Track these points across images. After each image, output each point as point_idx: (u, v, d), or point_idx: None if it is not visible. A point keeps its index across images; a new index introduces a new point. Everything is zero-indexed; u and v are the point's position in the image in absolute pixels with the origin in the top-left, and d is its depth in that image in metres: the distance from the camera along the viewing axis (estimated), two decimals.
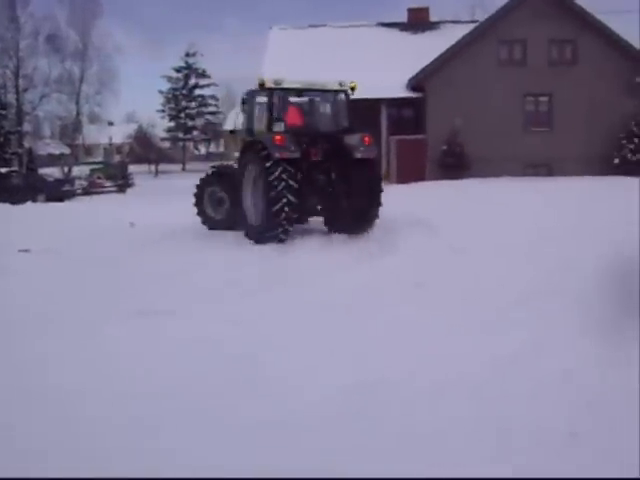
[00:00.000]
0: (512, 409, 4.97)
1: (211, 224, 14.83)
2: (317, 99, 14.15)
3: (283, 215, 12.10)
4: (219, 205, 14.78)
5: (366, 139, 13.16)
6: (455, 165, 27.42)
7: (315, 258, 10.78)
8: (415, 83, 29.45)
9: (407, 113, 31.29)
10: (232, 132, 16.37)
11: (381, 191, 13.20)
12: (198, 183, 15.23)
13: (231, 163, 15.65)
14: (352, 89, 13.73)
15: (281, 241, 12.21)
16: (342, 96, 13.88)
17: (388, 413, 4.87)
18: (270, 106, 13.00)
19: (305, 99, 14.01)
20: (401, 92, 29.81)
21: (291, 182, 12.11)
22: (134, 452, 4.35)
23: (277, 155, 12.02)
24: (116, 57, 65.35)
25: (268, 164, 12.02)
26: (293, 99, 13.78)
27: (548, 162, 27.79)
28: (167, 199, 24.89)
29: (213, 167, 15.70)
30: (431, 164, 28.05)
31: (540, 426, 4.78)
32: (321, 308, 7.64)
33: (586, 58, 28.17)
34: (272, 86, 12.89)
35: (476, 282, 8.55)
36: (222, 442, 4.51)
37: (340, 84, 13.70)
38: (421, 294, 8.18)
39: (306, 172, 12.76)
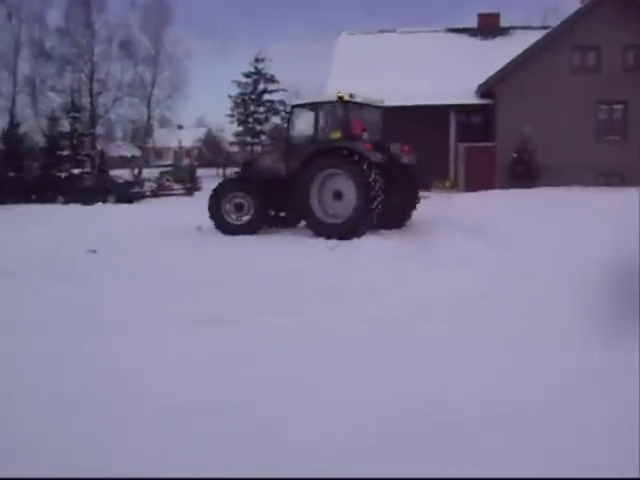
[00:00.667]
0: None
1: (229, 229, 15.59)
2: (372, 112, 16.08)
3: (376, 212, 13.97)
4: (239, 211, 15.79)
5: (405, 148, 15.47)
6: (525, 174, 26.89)
7: (384, 266, 10.63)
8: (485, 89, 29.05)
9: (476, 120, 30.88)
10: (273, 140, 17.98)
11: (418, 192, 15.79)
12: (215, 188, 16.14)
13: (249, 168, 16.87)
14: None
15: (363, 234, 13.78)
16: (381, 111, 16.39)
17: None
18: (346, 117, 14.77)
19: (365, 111, 15.82)
20: (470, 98, 29.45)
21: (381, 183, 14.04)
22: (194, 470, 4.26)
23: (372, 159, 14.05)
24: (186, 62, 66.14)
25: (364, 167, 13.84)
26: (359, 112, 15.50)
27: (621, 172, 27.02)
28: None
29: (237, 172, 17.16)
30: (500, 172, 27.57)
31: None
32: (394, 324, 7.44)
33: None
34: (350, 99, 14.80)
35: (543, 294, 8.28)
36: (287, 461, 4.34)
37: (381, 101, 16.15)
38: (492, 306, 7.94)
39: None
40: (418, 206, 15.71)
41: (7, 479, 4.21)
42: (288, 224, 16.55)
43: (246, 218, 15.73)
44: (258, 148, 75.94)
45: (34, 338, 7.16)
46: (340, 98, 14.69)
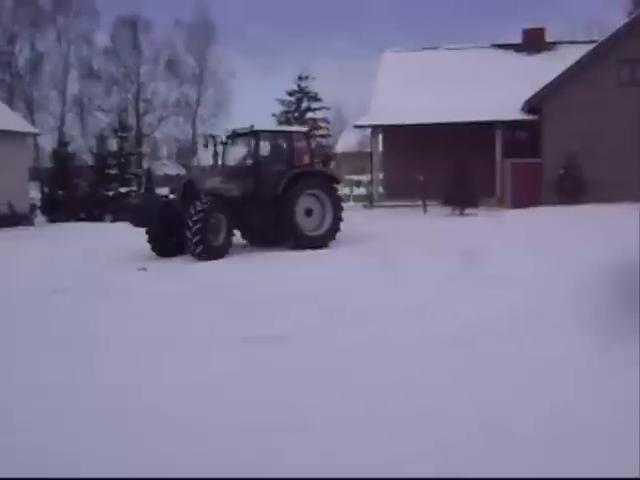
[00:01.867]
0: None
1: (209, 252, 15.23)
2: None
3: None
4: (215, 231, 15.76)
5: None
6: (572, 190, 26.56)
7: (434, 285, 10.55)
8: (531, 105, 28.83)
9: (522, 136, 30.63)
10: None
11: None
12: (202, 210, 15.44)
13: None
14: None
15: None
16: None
17: None
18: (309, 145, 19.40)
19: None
20: (516, 114, 29.25)
21: None
22: None
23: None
24: (230, 81, 66.90)
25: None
26: None
27: None
28: None
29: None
30: (547, 188, 27.28)
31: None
32: (443, 342, 7.39)
33: None
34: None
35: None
36: None
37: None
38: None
39: None
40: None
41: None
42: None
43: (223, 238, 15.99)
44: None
45: (95, 354, 7.27)
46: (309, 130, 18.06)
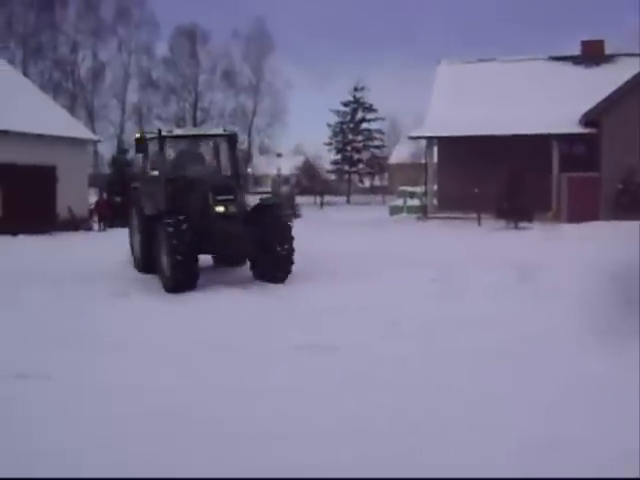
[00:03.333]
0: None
1: None
2: None
3: None
4: None
5: None
6: (630, 205, 26.12)
7: (487, 298, 10.52)
8: (589, 118, 28.49)
9: (580, 149, 30.23)
10: None
11: None
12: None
13: None
14: None
15: None
16: None
17: None
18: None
19: None
20: (574, 128, 28.91)
21: None
22: None
23: None
24: (286, 91, 67.55)
25: None
26: None
27: None
28: (334, 230, 25.31)
29: None
30: (605, 204, 26.89)
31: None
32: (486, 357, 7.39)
33: None
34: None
35: None
36: None
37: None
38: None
39: None
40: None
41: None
42: None
43: None
44: (355, 177, 76.29)
45: (155, 357, 7.46)
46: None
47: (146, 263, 13.63)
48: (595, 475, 4.24)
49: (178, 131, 16.11)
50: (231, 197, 12.69)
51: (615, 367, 6.67)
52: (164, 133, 14.05)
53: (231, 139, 14.70)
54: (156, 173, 14.52)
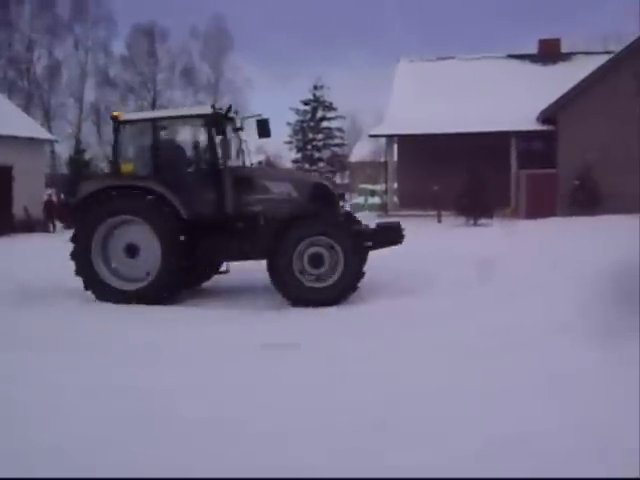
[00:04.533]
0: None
1: None
2: None
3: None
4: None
5: None
6: (587, 201, 26.49)
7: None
8: (546, 116, 28.83)
9: (537, 146, 30.60)
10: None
11: None
12: None
13: None
14: None
15: None
16: None
17: None
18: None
19: None
20: (532, 125, 29.28)
21: None
22: None
23: None
24: (246, 90, 67.02)
25: None
26: None
27: None
28: None
29: None
30: (562, 200, 27.23)
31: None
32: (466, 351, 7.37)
33: None
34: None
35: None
36: None
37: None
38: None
39: None
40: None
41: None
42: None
43: None
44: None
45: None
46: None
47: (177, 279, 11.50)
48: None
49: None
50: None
51: (587, 360, 6.73)
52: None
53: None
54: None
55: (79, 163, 39.28)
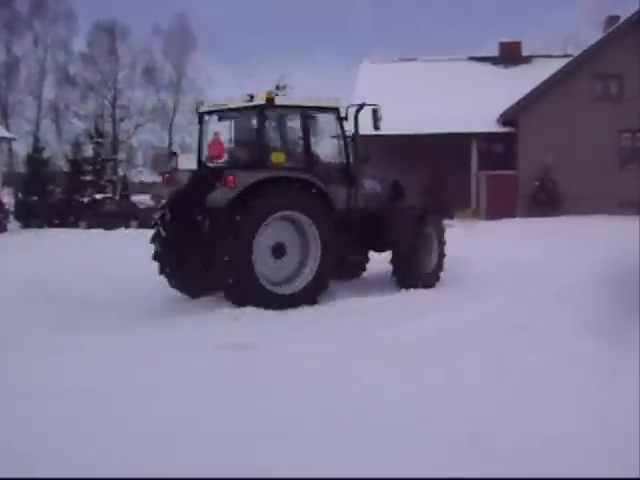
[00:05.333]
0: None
1: None
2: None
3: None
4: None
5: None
6: (547, 202, 26.83)
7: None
8: (506, 118, 29.11)
9: (498, 148, 30.89)
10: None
11: None
12: None
13: None
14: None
15: None
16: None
17: None
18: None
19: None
20: (492, 127, 29.51)
21: None
22: None
23: None
24: (208, 89, 66.72)
25: None
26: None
27: None
28: None
29: None
30: (522, 200, 27.51)
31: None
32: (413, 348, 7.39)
33: None
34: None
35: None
36: None
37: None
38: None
39: None
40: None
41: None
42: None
43: None
44: None
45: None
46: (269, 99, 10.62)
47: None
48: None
49: None
50: None
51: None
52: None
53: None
54: None
55: (37, 162, 38.67)
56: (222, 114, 11.54)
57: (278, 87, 71.40)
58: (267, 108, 10.53)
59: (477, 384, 6.11)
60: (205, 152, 11.56)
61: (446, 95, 30.18)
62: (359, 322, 8.85)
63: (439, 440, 4.78)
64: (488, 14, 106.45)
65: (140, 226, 32.57)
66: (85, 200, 37.86)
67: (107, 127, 55.52)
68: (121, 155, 56.64)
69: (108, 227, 29.80)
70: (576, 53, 30.29)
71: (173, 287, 11.03)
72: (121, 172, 53.36)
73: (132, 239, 19.37)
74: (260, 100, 10.45)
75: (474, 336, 7.91)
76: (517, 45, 36.75)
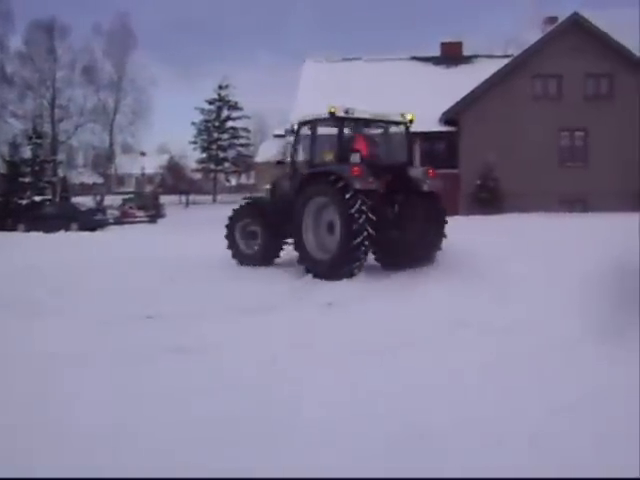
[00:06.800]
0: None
1: (242, 259, 14.36)
2: (382, 130, 13.85)
3: (363, 249, 11.74)
4: (251, 239, 14.37)
5: (430, 172, 12.78)
6: (489, 200, 27.18)
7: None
8: (448, 117, 29.39)
9: (440, 147, 31.18)
10: (279, 163, 15.84)
11: (446, 223, 12.79)
12: (230, 215, 14.78)
13: (262, 195, 15.39)
14: (411, 121, 13.39)
15: (353, 275, 11.72)
16: (403, 128, 13.46)
17: None
18: (340, 136, 12.62)
19: (372, 130, 13.91)
20: (434, 126, 29.73)
21: (370, 215, 11.65)
22: None
23: (357, 186, 11.62)
24: (150, 89, 65.96)
25: (348, 195, 11.58)
26: (361, 130, 13.62)
27: (583, 197, 27.44)
28: (198, 230, 24.77)
29: (246, 199, 15.32)
30: (464, 199, 27.80)
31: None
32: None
33: (623, 92, 27.93)
34: (344, 115, 12.47)
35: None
36: None
37: (402, 116, 13.26)
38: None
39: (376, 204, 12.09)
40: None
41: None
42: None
43: (256, 247, 14.19)
44: (221, 175, 75.72)
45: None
46: (332, 114, 12.33)
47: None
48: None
49: None
50: None
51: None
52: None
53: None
54: None
55: None
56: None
57: (221, 87, 71.07)
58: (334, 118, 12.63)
59: (424, 382, 6.09)
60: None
61: (389, 94, 30.30)
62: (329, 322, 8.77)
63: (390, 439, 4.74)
64: (429, 14, 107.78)
65: (80, 228, 32.04)
66: (24, 202, 37.12)
67: (46, 127, 54.39)
68: (61, 156, 55.62)
69: (48, 230, 29.14)
70: (517, 54, 30.72)
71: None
72: (61, 173, 52.47)
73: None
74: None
75: (417, 334, 7.88)
76: (458, 45, 37.22)
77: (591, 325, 7.52)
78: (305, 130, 13.50)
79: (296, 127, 13.56)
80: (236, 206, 15.10)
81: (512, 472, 4.26)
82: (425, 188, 12.57)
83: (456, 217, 24.50)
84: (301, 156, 14.24)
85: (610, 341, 6.88)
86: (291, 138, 14.23)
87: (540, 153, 27.80)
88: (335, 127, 12.66)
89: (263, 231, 14.04)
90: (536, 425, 5.00)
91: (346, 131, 13.04)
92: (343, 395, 5.75)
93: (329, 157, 12.80)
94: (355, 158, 12.37)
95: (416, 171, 12.94)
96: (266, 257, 14.07)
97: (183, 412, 5.40)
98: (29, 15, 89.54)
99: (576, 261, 10.97)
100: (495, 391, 5.79)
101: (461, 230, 14.80)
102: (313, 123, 13.19)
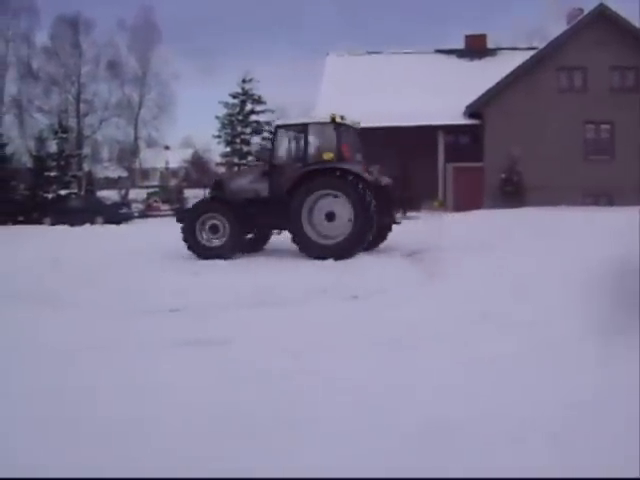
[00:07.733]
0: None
1: (203, 252, 14.88)
2: (353, 134, 15.82)
3: (370, 232, 14.02)
4: (213, 233, 15.12)
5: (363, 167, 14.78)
6: (513, 193, 27.01)
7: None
8: (473, 110, 29.22)
9: (464, 140, 31.05)
10: (258, 160, 17.82)
11: (394, 214, 15.57)
12: (189, 210, 16.00)
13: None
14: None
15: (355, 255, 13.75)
16: (358, 132, 16.04)
17: None
18: (339, 139, 14.55)
19: (350, 133, 15.64)
20: (458, 119, 29.61)
21: (375, 203, 13.94)
22: None
23: (368, 180, 14.08)
24: (174, 83, 66.23)
25: (361, 187, 13.84)
26: (345, 133, 15.25)
27: (609, 191, 27.17)
28: None
29: (211, 193, 16.29)
30: (488, 192, 27.66)
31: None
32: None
33: None
34: (341, 121, 14.72)
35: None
36: None
37: (359, 123, 16.03)
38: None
39: None
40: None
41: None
42: (256, 247, 16.27)
43: (220, 241, 15.04)
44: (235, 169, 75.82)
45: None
46: (333, 119, 14.60)
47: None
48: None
49: None
50: None
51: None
52: None
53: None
54: None
55: (0, 158, 38.20)
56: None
57: (244, 81, 71.15)
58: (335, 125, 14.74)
59: (441, 374, 6.07)
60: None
61: (413, 88, 30.27)
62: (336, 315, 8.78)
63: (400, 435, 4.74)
64: (453, 6, 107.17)
65: (106, 222, 32.30)
66: (50, 196, 37.48)
67: (71, 122, 54.74)
68: (86, 150, 56.03)
69: (73, 223, 29.46)
70: (541, 46, 30.45)
71: None
72: (86, 167, 52.84)
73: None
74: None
75: (438, 327, 7.85)
76: (482, 38, 36.95)
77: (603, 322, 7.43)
78: (283, 133, 15.48)
79: (275, 129, 15.51)
80: (195, 201, 16.37)
81: (512, 472, 4.24)
82: (383, 182, 15.14)
83: (477, 212, 24.61)
84: (284, 155, 15.78)
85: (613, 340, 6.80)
86: (257, 139, 16.39)
87: (565, 146, 27.56)
88: (333, 131, 14.69)
89: (230, 225, 14.97)
90: (536, 425, 4.93)
91: (331, 135, 14.81)
92: (370, 387, 5.74)
93: (329, 156, 14.50)
94: (359, 157, 15.23)
95: (373, 168, 15.08)
96: (233, 249, 14.97)
97: (208, 404, 5.40)
98: (54, 10, 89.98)
99: (595, 257, 10.83)
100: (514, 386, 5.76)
101: (484, 223, 14.79)
102: (303, 127, 15.04)
